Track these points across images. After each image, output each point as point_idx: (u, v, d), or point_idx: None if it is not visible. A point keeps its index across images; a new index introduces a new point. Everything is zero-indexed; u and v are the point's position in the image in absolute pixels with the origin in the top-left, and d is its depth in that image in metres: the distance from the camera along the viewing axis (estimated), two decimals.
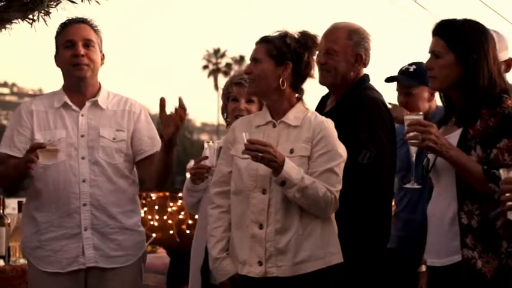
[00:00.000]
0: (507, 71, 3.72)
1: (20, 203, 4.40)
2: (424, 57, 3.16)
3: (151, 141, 3.58)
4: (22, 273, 4.15)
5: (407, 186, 3.06)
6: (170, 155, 3.43)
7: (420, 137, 2.86)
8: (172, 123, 3.32)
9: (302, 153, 3.10)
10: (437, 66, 3.00)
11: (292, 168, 3.01)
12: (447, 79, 2.99)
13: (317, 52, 3.29)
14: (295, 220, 3.08)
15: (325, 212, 3.10)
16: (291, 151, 3.10)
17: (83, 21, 3.57)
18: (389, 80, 4.19)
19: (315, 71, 3.26)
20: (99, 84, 3.61)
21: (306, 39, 3.18)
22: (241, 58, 62.22)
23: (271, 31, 3.20)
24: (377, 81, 3.81)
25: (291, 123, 3.16)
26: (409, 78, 4.11)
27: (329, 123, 3.17)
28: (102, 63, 3.59)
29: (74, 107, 3.52)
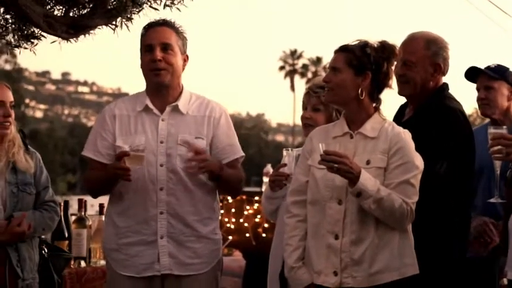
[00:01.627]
0: None
1: (101, 206, 4.53)
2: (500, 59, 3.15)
3: (230, 148, 3.58)
4: (102, 274, 4.27)
5: (492, 201, 3.01)
6: (223, 179, 3.49)
7: (505, 151, 2.81)
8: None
9: (378, 165, 3.10)
10: None
11: (368, 180, 3.01)
12: None
13: (395, 62, 3.27)
14: (370, 231, 3.08)
15: (401, 224, 3.09)
16: (368, 162, 3.10)
17: (164, 23, 3.56)
18: (470, 72, 4.15)
19: (393, 81, 3.25)
20: (182, 86, 3.59)
21: (385, 49, 3.18)
22: (318, 59, 62.03)
23: (350, 38, 3.22)
24: (455, 87, 3.77)
25: (368, 135, 3.16)
26: (491, 71, 4.10)
27: (406, 135, 3.15)
28: (184, 65, 3.57)
29: (155, 110, 3.54)
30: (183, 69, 3.59)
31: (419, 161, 3.12)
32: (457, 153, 3.45)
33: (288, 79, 64.92)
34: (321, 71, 61.31)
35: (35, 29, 4.43)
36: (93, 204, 4.44)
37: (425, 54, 3.60)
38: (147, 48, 3.52)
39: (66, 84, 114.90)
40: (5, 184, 3.57)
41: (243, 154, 3.65)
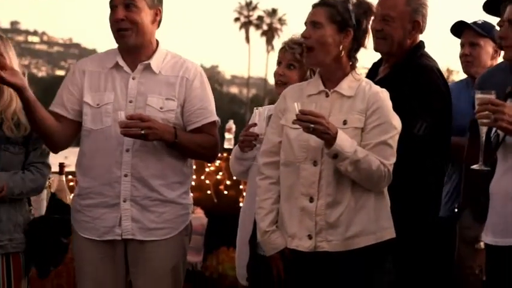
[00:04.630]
0: None
1: (61, 165, 4.36)
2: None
3: (201, 112, 3.40)
4: None
5: (475, 167, 2.91)
6: (182, 146, 3.32)
7: (493, 117, 2.72)
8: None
9: (355, 125, 2.99)
10: None
11: (345, 141, 2.91)
12: None
13: (372, 18, 3.15)
14: (346, 193, 2.98)
15: (378, 186, 3.01)
16: (344, 122, 2.99)
17: None
18: (457, 26, 4.07)
19: (369, 40, 3.12)
20: (156, 43, 3.41)
21: (363, 5, 3.05)
22: (274, 11, 61.67)
23: None
24: (431, 47, 3.67)
25: (344, 93, 3.04)
26: (478, 27, 4.02)
27: (384, 94, 3.05)
28: (156, 20, 3.36)
29: (126, 68, 3.37)
30: (158, 24, 3.41)
31: (397, 121, 3.03)
32: (434, 113, 3.38)
33: (243, 31, 64.50)
34: (276, 23, 61.17)
35: None
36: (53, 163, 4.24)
37: (405, 10, 3.49)
38: (111, 7, 3.33)
39: (15, 34, 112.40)
40: None
41: (217, 119, 3.46)
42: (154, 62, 3.38)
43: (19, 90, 3.22)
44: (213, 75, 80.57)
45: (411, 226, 3.30)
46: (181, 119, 3.39)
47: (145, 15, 3.32)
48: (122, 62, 3.38)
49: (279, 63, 3.56)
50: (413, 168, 3.32)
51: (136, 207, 3.33)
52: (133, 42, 3.33)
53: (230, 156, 3.79)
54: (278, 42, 56.12)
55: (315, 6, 3.07)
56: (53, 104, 3.43)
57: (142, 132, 3.20)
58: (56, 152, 3.50)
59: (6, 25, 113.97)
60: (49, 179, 4.17)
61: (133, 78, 3.36)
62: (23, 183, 3.42)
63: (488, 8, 3.54)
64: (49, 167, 3.59)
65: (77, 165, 3.46)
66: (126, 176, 3.31)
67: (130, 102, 3.34)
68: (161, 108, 3.33)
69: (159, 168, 3.34)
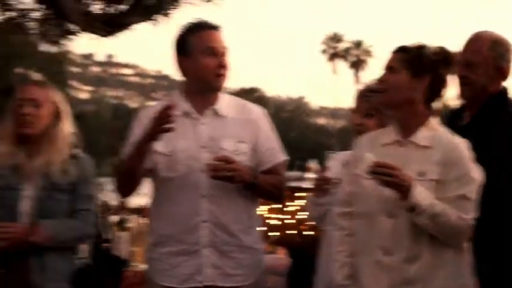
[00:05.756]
0: None
1: (141, 208, 4.42)
2: None
3: (271, 152, 3.41)
4: (142, 279, 4.14)
5: None
6: (260, 187, 3.32)
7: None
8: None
9: (432, 177, 2.89)
10: None
11: (421, 193, 2.81)
12: None
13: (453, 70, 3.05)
14: (424, 248, 2.87)
15: (457, 241, 2.89)
16: (420, 174, 2.89)
17: (218, 27, 3.39)
18: None
19: (446, 90, 3.04)
20: None
21: (444, 54, 2.97)
22: (359, 43, 61.54)
23: (391, 21, 3.03)
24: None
25: (420, 143, 2.95)
26: None
27: (462, 145, 2.94)
28: None
29: (194, 114, 3.39)
30: None
31: (477, 173, 2.91)
32: None
33: (330, 62, 64.46)
34: (362, 54, 60.94)
35: (72, 25, 4.38)
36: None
37: (489, 56, 3.38)
38: (209, 51, 3.34)
39: (110, 67, 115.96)
40: (35, 187, 3.39)
41: (286, 158, 3.47)
42: (221, 106, 3.40)
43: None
44: (300, 105, 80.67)
45: (495, 285, 3.15)
46: (253, 161, 3.38)
47: None
48: (189, 108, 3.39)
49: (355, 111, 3.51)
50: (498, 225, 3.18)
51: (216, 254, 3.31)
52: (222, 86, 3.38)
53: (306, 200, 3.74)
54: (365, 74, 55.99)
55: (393, 52, 3.02)
56: (124, 153, 3.40)
57: (229, 174, 3.21)
58: (126, 197, 3.54)
59: (102, 58, 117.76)
60: (126, 220, 4.24)
61: (203, 124, 3.37)
62: (68, 231, 3.41)
63: None
64: (95, 213, 3.59)
65: (153, 213, 3.46)
66: (204, 222, 3.30)
67: (203, 147, 3.34)
68: (235, 151, 3.33)
69: (235, 212, 3.34)
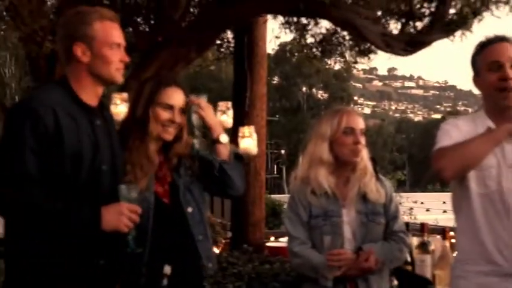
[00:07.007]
0: None
1: (443, 230, 4.30)
2: None
3: None
4: None
5: None
6: None
7: None
8: None
9: None
10: None
11: None
12: None
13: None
14: None
15: None
16: None
17: (506, 39, 3.22)
18: None
19: None
20: None
21: None
22: None
23: None
24: None
25: None
26: None
27: None
28: None
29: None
30: None
31: None
32: None
33: None
34: None
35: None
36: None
37: None
38: (492, 66, 3.19)
39: (392, 80, 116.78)
40: (356, 214, 3.51)
41: None
42: None
43: None
44: None
45: None
46: None
47: None
48: (493, 127, 3.21)
49: None
50: None
51: None
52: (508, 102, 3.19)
53: None
54: None
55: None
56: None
57: None
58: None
59: (384, 72, 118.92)
60: (427, 242, 4.15)
61: (508, 144, 3.17)
62: (393, 253, 3.50)
63: None
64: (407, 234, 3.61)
65: (458, 228, 3.34)
66: None
67: (511, 167, 3.18)
68: None
69: None
